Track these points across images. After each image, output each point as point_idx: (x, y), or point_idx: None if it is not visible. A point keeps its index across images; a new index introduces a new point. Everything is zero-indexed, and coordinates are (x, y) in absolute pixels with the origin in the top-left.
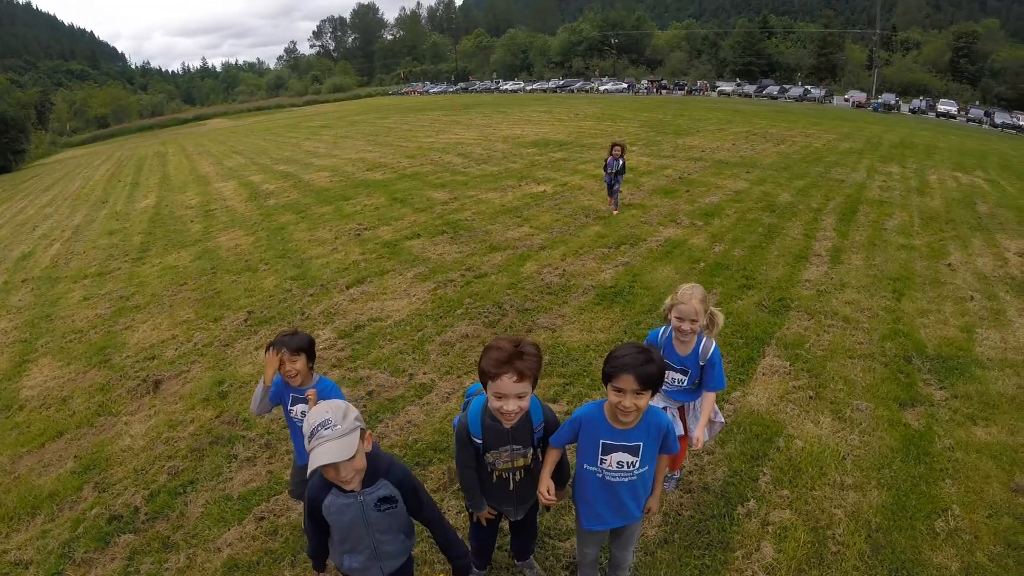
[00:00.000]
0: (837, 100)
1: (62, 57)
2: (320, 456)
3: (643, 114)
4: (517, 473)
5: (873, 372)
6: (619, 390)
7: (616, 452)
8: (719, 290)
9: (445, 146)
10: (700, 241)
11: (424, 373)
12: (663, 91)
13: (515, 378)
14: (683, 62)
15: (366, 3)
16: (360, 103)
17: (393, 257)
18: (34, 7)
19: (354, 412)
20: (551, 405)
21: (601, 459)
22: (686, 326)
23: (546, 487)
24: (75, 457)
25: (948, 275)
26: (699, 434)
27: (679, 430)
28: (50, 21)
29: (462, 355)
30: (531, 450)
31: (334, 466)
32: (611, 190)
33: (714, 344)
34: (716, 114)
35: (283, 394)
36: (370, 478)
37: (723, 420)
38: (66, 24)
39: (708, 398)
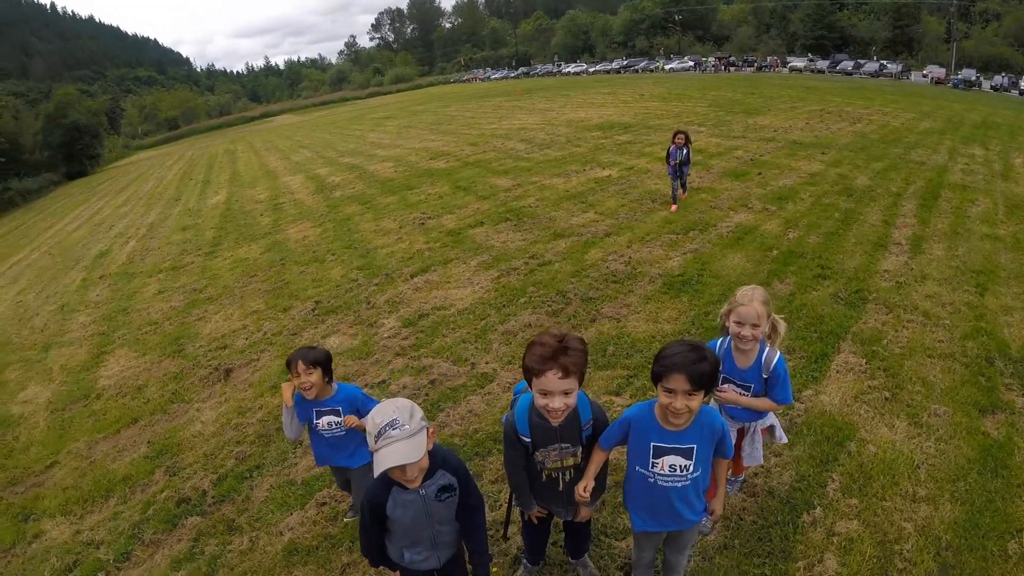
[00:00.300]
0: (915, 76)
1: (129, 65)
2: (389, 457)
3: (711, 93)
4: (567, 473)
5: (953, 373)
6: (669, 391)
7: (668, 455)
8: (792, 280)
9: (508, 132)
10: (773, 227)
11: (486, 363)
12: (731, 68)
13: (560, 374)
14: (751, 37)
15: None
16: (422, 92)
17: (457, 246)
18: (97, 20)
19: (419, 411)
20: (613, 398)
21: (652, 462)
22: (746, 331)
23: (584, 486)
24: (148, 442)
25: None
26: (717, 508)
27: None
28: (114, 32)
29: (524, 345)
30: (580, 448)
31: (401, 466)
32: (675, 182)
33: (778, 354)
34: (788, 91)
35: (307, 410)
36: (429, 471)
37: (785, 439)
38: (130, 34)
39: (766, 402)
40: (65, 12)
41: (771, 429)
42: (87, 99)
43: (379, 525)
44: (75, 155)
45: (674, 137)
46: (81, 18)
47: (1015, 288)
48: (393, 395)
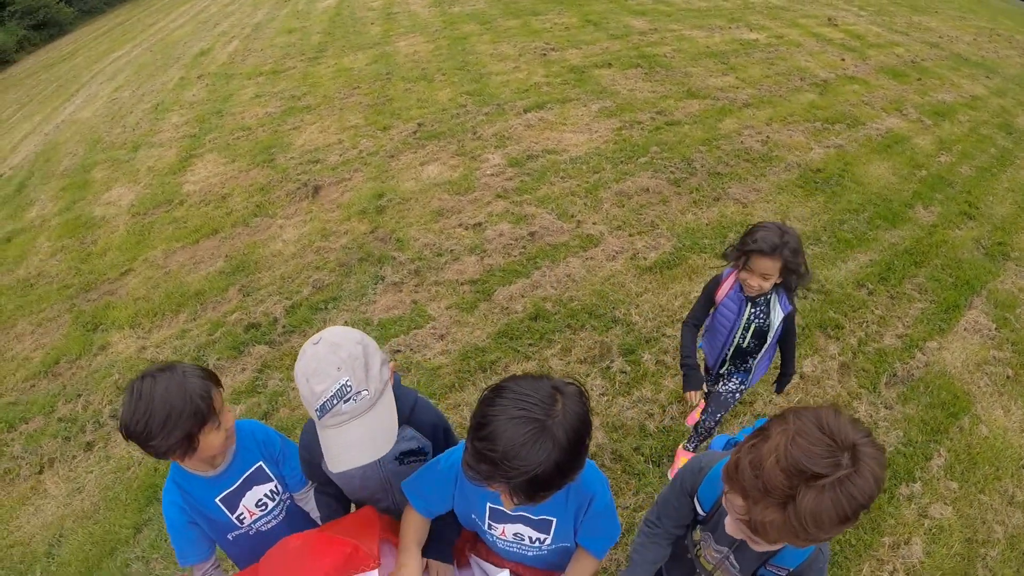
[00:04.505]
0: None
1: None
2: (346, 454)
3: None
4: None
5: None
6: None
7: None
8: (937, 210)
9: None
10: (925, 143)
11: (593, 223)
12: None
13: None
14: None
15: None
16: None
17: (579, 85)
18: None
19: (376, 354)
20: None
21: None
22: None
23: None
24: (226, 256)
25: None
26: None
27: None
28: None
29: (637, 211)
30: None
31: None
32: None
33: None
34: None
35: (203, 503)
36: None
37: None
38: None
39: None
40: None
41: None
42: None
43: (326, 486)
44: None
45: (738, 260)
46: None
47: None
48: (485, 240)
